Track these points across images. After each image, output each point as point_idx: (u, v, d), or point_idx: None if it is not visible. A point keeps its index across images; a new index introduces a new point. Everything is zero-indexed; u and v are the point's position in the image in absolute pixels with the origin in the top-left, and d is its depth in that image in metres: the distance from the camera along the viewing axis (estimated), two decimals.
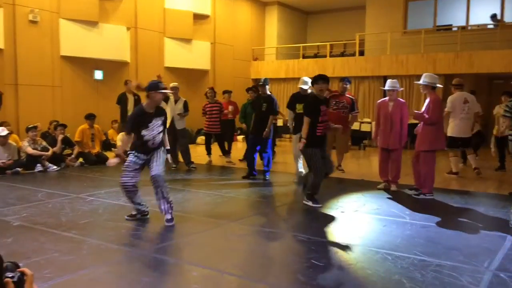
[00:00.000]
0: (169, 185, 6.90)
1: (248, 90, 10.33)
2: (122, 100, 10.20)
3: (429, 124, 6.22)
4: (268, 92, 7.80)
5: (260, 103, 7.71)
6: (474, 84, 13.75)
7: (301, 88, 7.36)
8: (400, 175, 6.93)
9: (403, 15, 15.51)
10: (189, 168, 8.72)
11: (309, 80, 7.30)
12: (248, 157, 7.93)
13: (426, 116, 6.19)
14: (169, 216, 4.81)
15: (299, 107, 7.32)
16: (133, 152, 4.85)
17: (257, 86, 10.26)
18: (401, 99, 7.01)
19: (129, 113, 10.15)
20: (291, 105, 7.48)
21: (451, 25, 14.99)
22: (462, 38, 13.37)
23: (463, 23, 14.68)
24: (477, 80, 13.96)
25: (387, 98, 6.91)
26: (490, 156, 9.97)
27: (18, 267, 1.33)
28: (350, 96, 8.21)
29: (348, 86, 8.13)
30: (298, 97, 7.35)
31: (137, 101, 10.38)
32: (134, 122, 4.78)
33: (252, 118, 8.04)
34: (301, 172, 7.55)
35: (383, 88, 7.20)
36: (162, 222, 4.92)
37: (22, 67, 10.52)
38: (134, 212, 4.99)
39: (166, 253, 3.93)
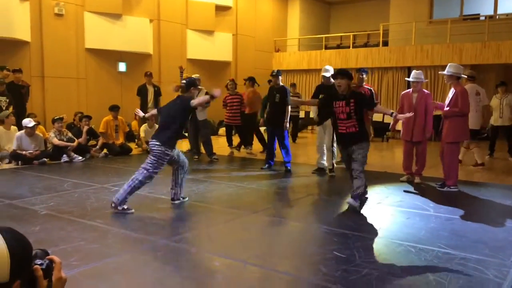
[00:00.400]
0: (191, 176, 6.98)
1: (245, 80, 10.37)
2: (142, 92, 10.33)
3: (459, 116, 6.10)
4: (281, 83, 7.90)
5: (273, 95, 7.77)
6: (503, 74, 13.42)
7: (324, 76, 7.30)
8: (424, 167, 6.83)
9: (429, 4, 15.18)
10: (211, 159, 8.77)
11: (331, 68, 7.25)
12: (267, 147, 8.10)
13: (456, 109, 6.07)
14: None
15: None
16: (169, 149, 4.95)
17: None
18: (425, 90, 6.87)
19: (149, 104, 10.30)
20: (315, 97, 7.42)
21: (478, 14, 14.61)
22: (489, 28, 13.01)
23: (490, 12, 14.29)
24: (506, 70, 13.61)
25: (411, 89, 6.80)
26: None
27: (48, 254, 1.36)
28: (368, 87, 8.08)
29: (365, 76, 8.00)
30: (322, 87, 7.30)
31: (157, 92, 10.49)
32: None
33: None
34: (323, 163, 7.52)
35: (407, 79, 7.08)
36: (185, 213, 4.98)
37: (48, 60, 10.72)
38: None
39: (189, 243, 3.97)
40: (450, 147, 6.20)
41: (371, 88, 8.13)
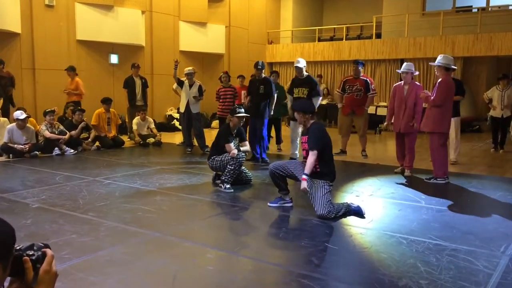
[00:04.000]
0: (183, 169, 6.97)
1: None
2: (129, 84, 10.25)
3: (434, 106, 6.11)
4: (263, 75, 8.01)
5: (256, 86, 7.81)
6: (495, 66, 13.48)
7: (297, 67, 7.49)
8: (414, 159, 6.84)
9: None
10: (204, 152, 8.74)
11: (303, 60, 7.55)
12: (251, 141, 7.79)
13: (431, 99, 6.10)
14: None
15: (296, 92, 7.60)
16: None
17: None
18: (417, 83, 6.88)
19: (138, 96, 10.22)
20: (289, 91, 7.86)
21: (471, 6, 14.64)
22: (482, 20, 13.06)
23: (483, 4, 14.33)
24: (498, 62, 13.67)
25: (402, 81, 6.81)
26: (509, 141, 9.81)
27: (47, 247, 1.35)
28: (364, 78, 8.17)
29: (360, 68, 8.12)
30: (296, 81, 7.71)
31: (144, 84, 10.41)
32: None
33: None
34: (296, 154, 7.84)
35: (398, 70, 7.11)
36: (177, 206, 4.98)
37: (38, 52, 10.61)
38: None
39: (181, 235, 3.97)
40: (431, 138, 6.25)
41: (367, 79, 8.21)
